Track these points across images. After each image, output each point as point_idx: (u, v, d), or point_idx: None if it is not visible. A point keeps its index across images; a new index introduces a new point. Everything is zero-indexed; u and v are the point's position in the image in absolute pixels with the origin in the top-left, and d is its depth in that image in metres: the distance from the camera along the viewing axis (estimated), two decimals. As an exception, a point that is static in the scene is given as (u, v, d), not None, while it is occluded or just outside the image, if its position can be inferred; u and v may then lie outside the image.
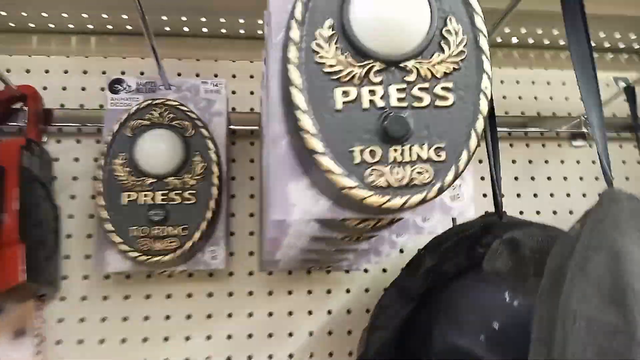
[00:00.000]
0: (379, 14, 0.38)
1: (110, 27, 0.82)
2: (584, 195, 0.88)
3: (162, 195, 0.64)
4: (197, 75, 0.83)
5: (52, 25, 0.81)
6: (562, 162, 0.90)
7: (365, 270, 0.80)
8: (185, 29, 0.82)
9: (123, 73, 0.83)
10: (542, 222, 0.73)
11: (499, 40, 0.91)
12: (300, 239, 0.55)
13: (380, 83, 0.38)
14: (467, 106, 0.39)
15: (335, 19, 0.38)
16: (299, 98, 0.37)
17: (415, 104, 0.38)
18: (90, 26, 0.82)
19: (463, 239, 0.56)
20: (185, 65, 0.84)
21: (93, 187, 0.74)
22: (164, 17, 0.79)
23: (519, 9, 0.66)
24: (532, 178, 0.88)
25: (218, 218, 0.68)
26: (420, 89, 0.39)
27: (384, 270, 0.80)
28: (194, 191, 0.64)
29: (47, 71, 0.82)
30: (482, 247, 0.55)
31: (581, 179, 0.89)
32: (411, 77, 0.39)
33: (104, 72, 0.83)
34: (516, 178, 0.88)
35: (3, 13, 0.78)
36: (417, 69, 0.39)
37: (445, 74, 0.39)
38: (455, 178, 0.39)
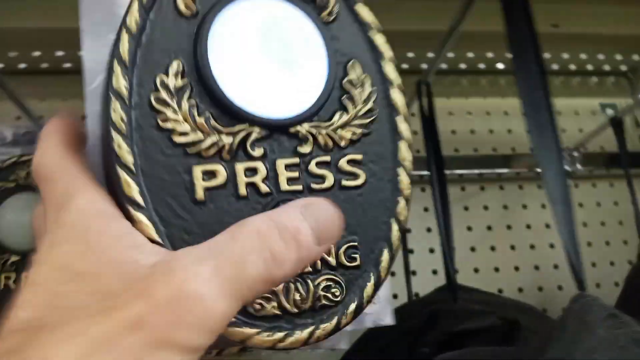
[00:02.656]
0: (251, 58, 0.25)
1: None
2: (570, 245, 0.75)
3: (28, 277, 0.50)
4: (83, 118, 0.70)
5: None
6: (543, 206, 0.76)
7: (307, 349, 0.66)
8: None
9: (19, 118, 0.71)
10: (510, 300, 0.59)
11: (463, 66, 0.78)
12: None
13: (263, 157, 0.25)
14: (382, 185, 0.26)
15: (186, 61, 0.25)
16: (132, 185, 0.23)
17: (315, 186, 0.25)
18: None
19: (404, 334, 0.43)
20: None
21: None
22: (37, 53, 0.67)
23: (477, 29, 0.53)
24: (509, 227, 0.75)
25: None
26: (319, 163, 0.25)
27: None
28: (68, 271, 0.51)
29: None
30: (427, 346, 0.41)
31: (566, 225, 0.76)
32: (306, 148, 0.25)
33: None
34: (489, 227, 0.74)
35: None
36: (313, 135, 0.26)
37: (352, 141, 0.26)
38: (377, 289, 0.26)
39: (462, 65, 0.78)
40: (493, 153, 0.77)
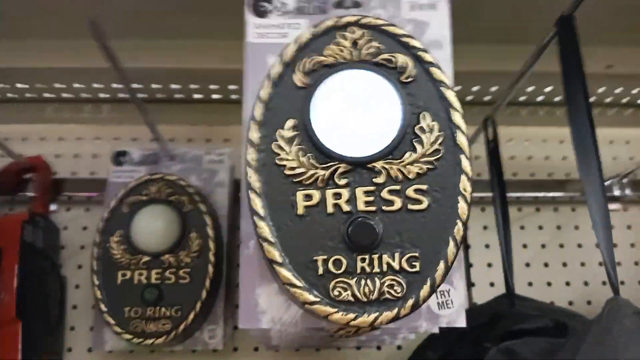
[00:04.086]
0: (343, 113, 0.35)
1: (122, 95, 0.82)
2: (618, 264, 0.81)
3: (157, 274, 0.62)
4: (189, 140, 0.82)
5: (65, 95, 0.82)
6: (594, 227, 0.83)
7: (378, 348, 0.75)
8: (179, 95, 0.83)
9: (134, 140, 0.83)
10: (563, 309, 0.67)
11: (522, 98, 0.86)
12: (287, 335, 0.52)
13: (347, 185, 0.35)
14: (443, 210, 0.35)
15: (298, 119, 0.36)
16: (257, 203, 0.35)
17: (385, 208, 0.35)
18: (103, 95, 0.82)
19: (469, 332, 0.51)
20: (179, 130, 0.84)
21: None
22: (155, 85, 0.80)
23: (538, 69, 0.62)
24: (561, 245, 0.82)
25: (216, 295, 0.65)
26: (390, 191, 0.35)
27: (399, 348, 0.75)
28: (189, 269, 0.62)
29: (60, 138, 0.83)
30: (490, 341, 0.50)
31: (615, 246, 0.82)
32: (380, 179, 0.35)
33: (115, 139, 0.83)
34: (543, 245, 0.82)
35: (20, 85, 0.80)
36: (386, 169, 0.35)
37: (419, 174, 0.35)
38: (432, 292, 0.34)
39: (522, 98, 0.86)
40: (548, 178, 0.84)
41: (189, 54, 0.74)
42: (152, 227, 0.63)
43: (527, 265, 0.80)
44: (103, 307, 0.62)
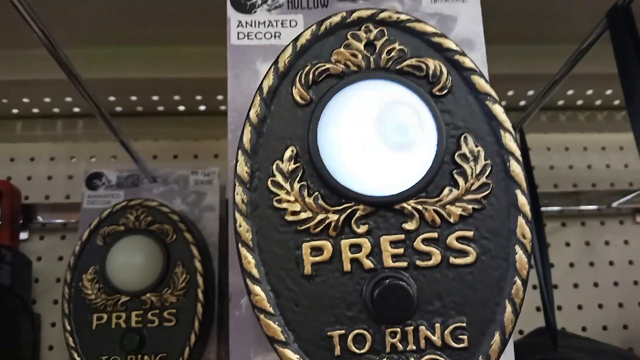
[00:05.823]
0: (359, 138, 0.26)
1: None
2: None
3: (138, 316, 0.54)
4: (175, 157, 0.74)
5: (36, 110, 0.74)
6: (625, 242, 0.75)
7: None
8: (161, 108, 0.75)
9: (113, 157, 0.75)
10: (608, 346, 0.59)
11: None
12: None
13: (367, 234, 0.27)
14: (496, 263, 0.26)
15: (299, 146, 0.27)
16: (250, 260, 0.26)
17: (420, 263, 0.26)
18: (77, 109, 0.74)
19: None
20: (163, 145, 0.75)
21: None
22: (134, 98, 0.72)
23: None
24: (591, 264, 0.74)
25: (207, 339, 0.57)
26: (425, 240, 0.26)
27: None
28: (174, 310, 0.54)
29: (32, 159, 0.75)
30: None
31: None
32: (412, 224, 0.27)
33: (92, 157, 0.75)
34: (572, 265, 0.74)
35: (-16, 100, 0.72)
36: (419, 212, 0.27)
37: (462, 217, 0.27)
38: None
39: (560, 102, 0.78)
40: (574, 189, 0.76)
41: (171, 62, 0.65)
42: (131, 262, 0.55)
43: (555, 287, 0.72)
44: (76, 357, 0.53)
